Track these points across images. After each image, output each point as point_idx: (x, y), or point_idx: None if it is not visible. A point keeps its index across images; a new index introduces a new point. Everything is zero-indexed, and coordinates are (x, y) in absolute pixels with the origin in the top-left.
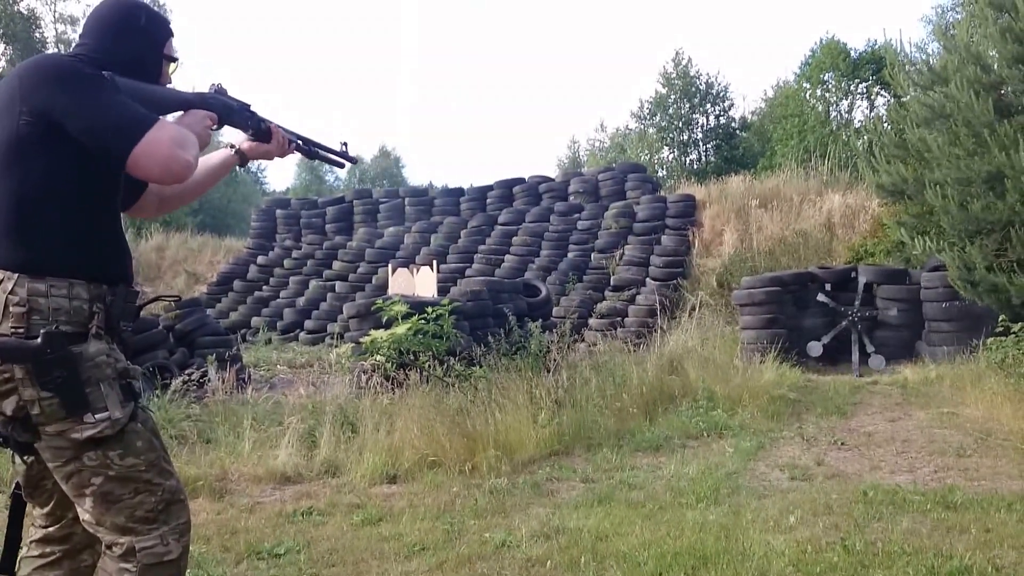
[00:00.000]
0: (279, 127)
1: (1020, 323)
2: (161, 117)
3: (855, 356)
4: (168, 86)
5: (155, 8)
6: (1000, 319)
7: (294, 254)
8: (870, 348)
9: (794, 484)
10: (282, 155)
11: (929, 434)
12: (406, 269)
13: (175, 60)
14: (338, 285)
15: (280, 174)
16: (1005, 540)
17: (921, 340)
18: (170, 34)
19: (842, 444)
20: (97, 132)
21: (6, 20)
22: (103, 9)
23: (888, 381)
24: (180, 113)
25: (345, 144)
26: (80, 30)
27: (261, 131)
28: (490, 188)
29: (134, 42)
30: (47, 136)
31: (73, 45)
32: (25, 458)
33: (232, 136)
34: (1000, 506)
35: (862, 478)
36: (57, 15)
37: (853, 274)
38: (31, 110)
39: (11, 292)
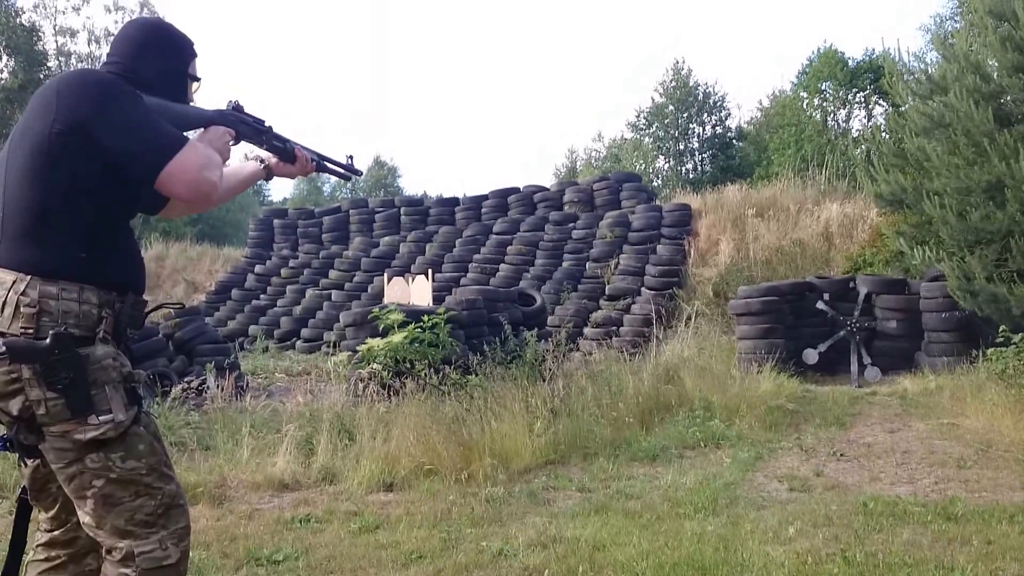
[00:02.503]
0: (301, 148)
1: (1020, 333)
2: (189, 138)
3: (853, 367)
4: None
5: (178, 29)
6: (1000, 329)
7: (291, 263)
8: (866, 360)
9: (793, 495)
10: (304, 174)
11: (929, 445)
12: (402, 278)
13: (198, 79)
14: (334, 294)
15: (278, 184)
16: (1007, 552)
17: (920, 350)
18: (194, 54)
19: (841, 455)
20: (131, 149)
21: (8, 32)
22: (131, 29)
23: (887, 392)
24: (201, 130)
25: (351, 157)
26: (77, 43)
27: (287, 152)
28: (485, 198)
29: (161, 62)
30: (77, 147)
31: (101, 63)
32: (29, 461)
33: (260, 152)
34: (1002, 518)
35: (862, 489)
36: (57, 27)
37: (852, 284)
38: (66, 120)
39: (23, 293)
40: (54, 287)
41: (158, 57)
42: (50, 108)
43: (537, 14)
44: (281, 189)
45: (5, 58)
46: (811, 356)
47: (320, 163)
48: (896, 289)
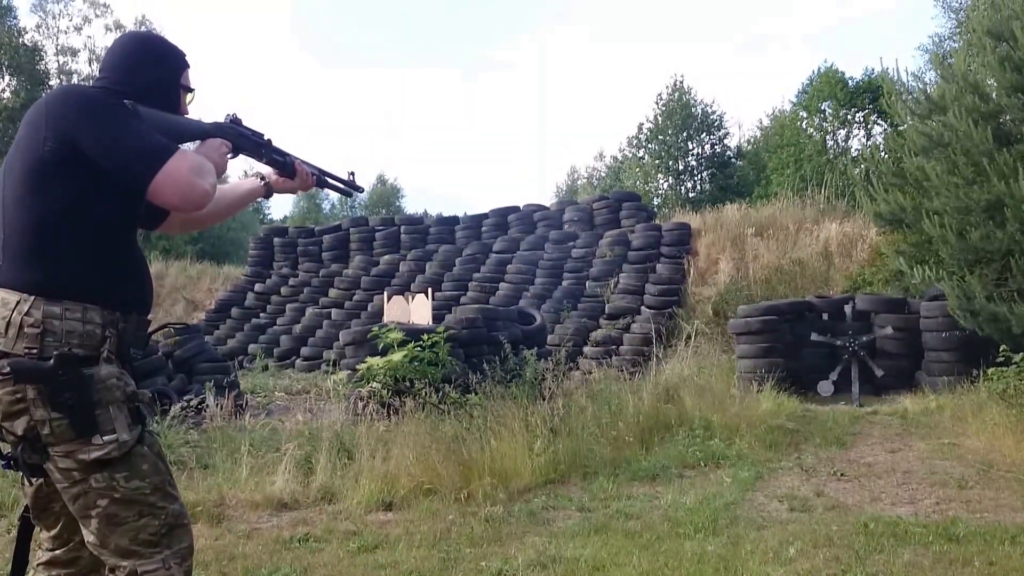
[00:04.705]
0: (302, 162)
1: (1021, 353)
2: (180, 146)
3: (855, 386)
4: (186, 116)
5: (170, 41)
6: (1001, 349)
7: (291, 282)
8: (879, 372)
9: (793, 515)
10: (305, 189)
11: (930, 465)
12: (401, 297)
13: (192, 90)
14: (334, 312)
15: (278, 203)
16: (1009, 573)
17: (921, 370)
18: (186, 65)
19: (842, 475)
20: (119, 161)
21: (11, 52)
22: (122, 42)
23: (888, 411)
24: (198, 142)
25: (352, 174)
26: (79, 62)
27: (286, 166)
28: (485, 216)
29: (152, 73)
30: (70, 163)
31: (95, 79)
32: (33, 480)
33: (257, 167)
34: (1004, 539)
35: (863, 509)
36: (59, 47)
37: (851, 303)
38: (56, 137)
39: (27, 314)
40: (58, 307)
41: (150, 69)
42: (40, 126)
43: (541, 29)
44: (281, 207)
45: (7, 77)
46: (825, 387)
47: (321, 178)
48: (896, 308)
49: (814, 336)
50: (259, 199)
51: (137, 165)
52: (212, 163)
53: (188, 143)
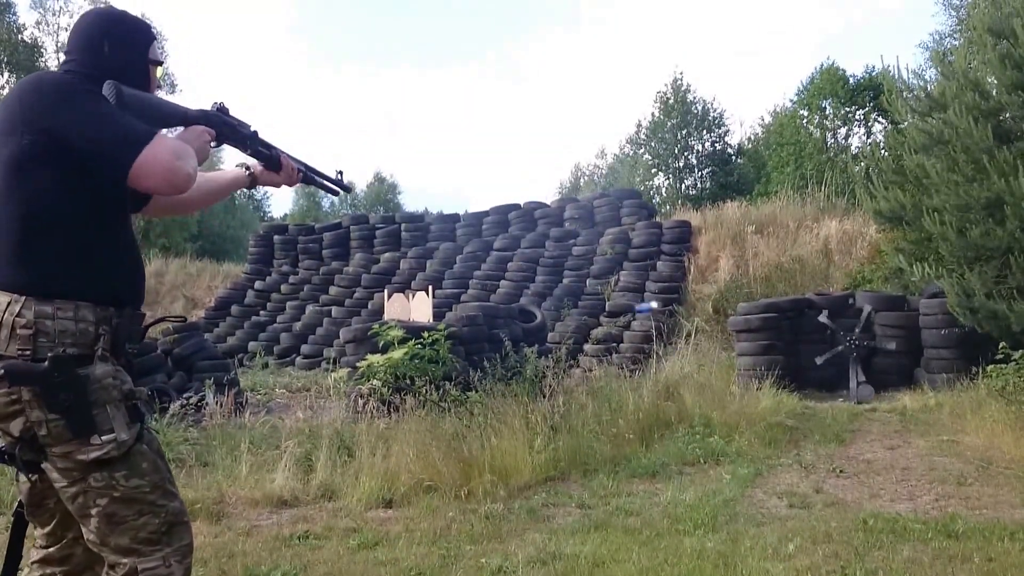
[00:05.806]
0: (288, 156)
1: (1021, 350)
2: (159, 131)
3: (852, 383)
4: (157, 92)
5: (135, 15)
6: (1000, 346)
7: (291, 279)
8: (860, 377)
9: (793, 512)
10: (290, 184)
11: (929, 462)
12: (402, 294)
13: (160, 63)
14: (334, 310)
15: (278, 200)
16: (1008, 570)
17: (920, 367)
18: (152, 38)
19: (841, 472)
20: (98, 145)
21: (10, 49)
22: (84, 21)
23: (887, 408)
24: (180, 128)
25: (340, 172)
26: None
27: (272, 159)
28: (486, 214)
29: (121, 53)
30: (49, 155)
31: (62, 61)
32: (30, 476)
33: (242, 157)
34: (1003, 535)
35: (862, 506)
36: (59, 44)
37: (851, 300)
38: (33, 129)
39: (18, 315)
40: (49, 307)
41: (116, 46)
42: (15, 120)
43: (543, 29)
44: (281, 205)
45: (7, 74)
46: (819, 360)
47: (307, 175)
48: (895, 306)
49: (821, 318)
50: (243, 188)
51: (117, 150)
52: (193, 149)
53: (171, 130)
